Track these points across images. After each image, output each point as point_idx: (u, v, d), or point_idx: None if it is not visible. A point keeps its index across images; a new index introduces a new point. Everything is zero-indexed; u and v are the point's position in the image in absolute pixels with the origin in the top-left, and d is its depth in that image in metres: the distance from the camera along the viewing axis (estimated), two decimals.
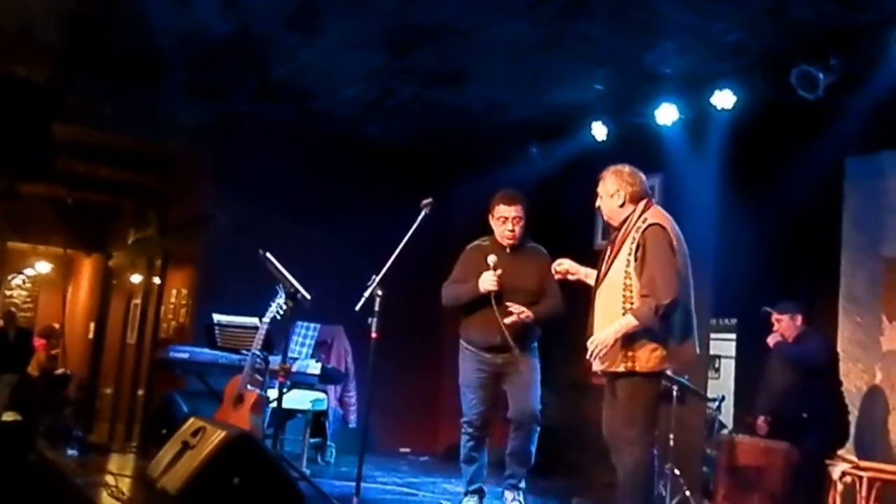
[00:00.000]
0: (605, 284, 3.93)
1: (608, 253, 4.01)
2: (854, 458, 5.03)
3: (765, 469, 5.20)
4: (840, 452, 5.21)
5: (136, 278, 9.98)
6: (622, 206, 3.94)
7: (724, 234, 6.32)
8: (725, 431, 5.72)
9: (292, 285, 4.92)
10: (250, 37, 6.00)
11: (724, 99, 5.92)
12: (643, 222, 3.86)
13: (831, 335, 5.90)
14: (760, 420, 5.54)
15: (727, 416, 6.01)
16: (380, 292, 4.40)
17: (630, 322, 3.73)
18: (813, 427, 5.24)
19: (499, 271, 4.50)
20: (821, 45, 5.19)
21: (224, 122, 7.55)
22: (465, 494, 4.79)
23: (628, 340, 3.76)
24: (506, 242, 4.67)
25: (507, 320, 4.49)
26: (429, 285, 8.01)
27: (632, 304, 3.78)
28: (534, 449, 4.75)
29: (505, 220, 4.64)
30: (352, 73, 6.57)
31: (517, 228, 4.64)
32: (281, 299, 4.96)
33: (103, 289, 11.03)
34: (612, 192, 3.97)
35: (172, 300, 8.60)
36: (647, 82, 6.18)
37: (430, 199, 4.61)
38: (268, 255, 4.98)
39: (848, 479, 4.90)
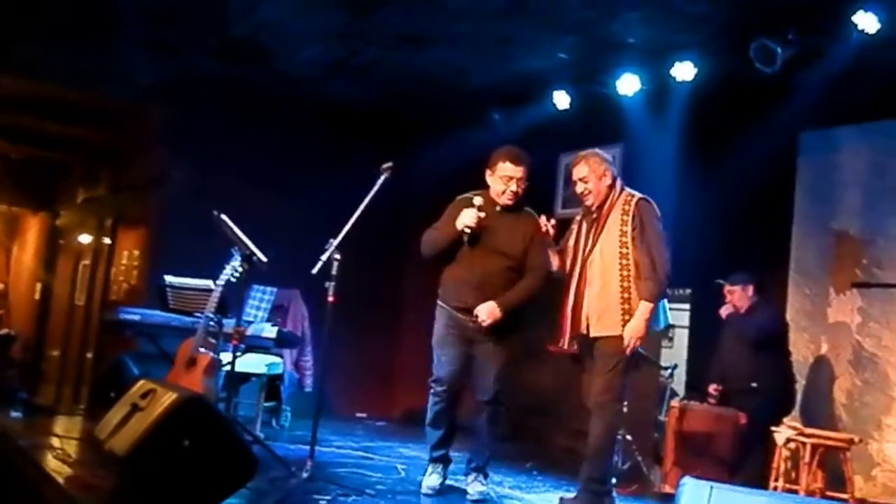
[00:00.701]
0: (596, 255, 4.28)
1: (589, 227, 4.35)
2: (799, 425, 5.16)
3: (714, 435, 5.31)
4: (786, 420, 5.34)
5: (86, 238, 9.76)
6: (610, 185, 4.32)
7: (682, 204, 6.36)
8: (677, 399, 5.81)
9: (248, 248, 4.85)
10: None
11: (684, 71, 5.95)
12: (630, 196, 4.28)
13: (780, 305, 6.02)
14: (712, 388, 5.63)
15: (680, 384, 6.11)
16: (337, 256, 4.34)
17: (649, 307, 4.15)
18: (761, 396, 5.35)
19: (482, 214, 4.33)
20: (780, 20, 5.22)
21: (181, 79, 7.35)
22: (430, 462, 4.58)
23: (629, 306, 4.16)
24: (504, 202, 4.44)
25: (481, 319, 4.35)
26: (388, 249, 8.06)
27: (629, 270, 4.18)
28: (497, 431, 4.55)
29: (509, 179, 4.40)
30: (313, 33, 6.44)
31: (520, 190, 4.45)
32: (236, 262, 4.87)
33: (50, 248, 10.76)
34: (601, 174, 4.31)
35: (124, 261, 8.43)
36: (611, 52, 6.16)
37: (389, 164, 4.52)
38: (223, 216, 4.91)
39: (793, 444, 5.02)
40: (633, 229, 4.20)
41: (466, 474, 4.60)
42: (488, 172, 4.50)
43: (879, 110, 5.63)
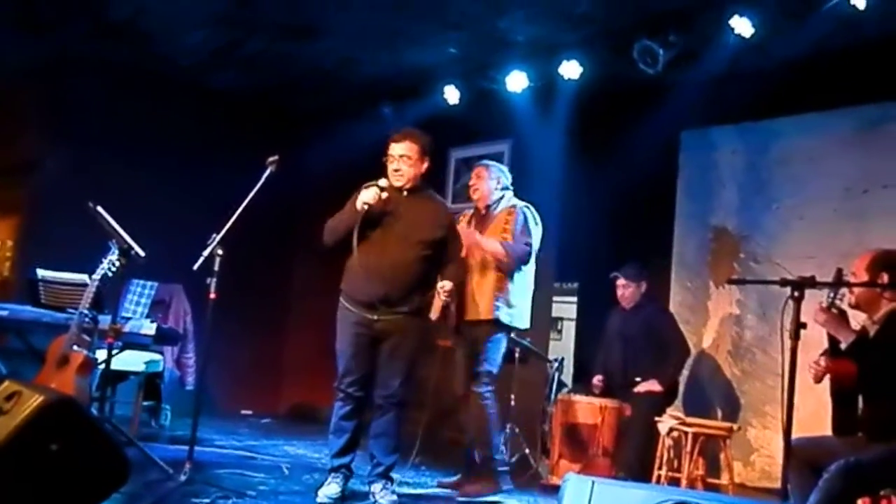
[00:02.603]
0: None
1: (476, 225, 4.91)
2: (681, 415, 5.32)
3: (599, 426, 5.40)
4: (669, 410, 5.48)
5: None
6: (498, 189, 4.94)
7: (568, 200, 6.48)
8: (565, 391, 5.91)
9: (125, 241, 4.65)
10: None
11: (571, 69, 6.03)
12: (515, 204, 4.92)
13: (664, 298, 6.20)
14: (596, 380, 5.74)
15: (568, 376, 6.22)
16: (220, 251, 4.19)
17: None
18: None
19: (385, 194, 4.18)
20: (661, 22, 5.35)
21: (56, 61, 6.97)
22: (331, 471, 4.31)
23: (504, 293, 4.72)
24: (394, 182, 4.28)
25: (441, 301, 4.40)
26: (277, 242, 7.90)
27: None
28: (399, 431, 4.37)
29: (393, 158, 4.29)
30: (195, 19, 6.22)
31: (403, 167, 4.27)
32: (113, 256, 4.65)
33: None
34: (490, 178, 4.95)
35: None
36: (500, 48, 6.20)
37: (275, 157, 4.37)
38: (98, 208, 4.69)
39: (676, 434, 5.16)
40: (511, 233, 4.80)
41: (371, 482, 4.34)
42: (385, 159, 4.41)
43: (754, 111, 5.86)
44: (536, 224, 4.88)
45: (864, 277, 3.67)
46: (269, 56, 6.87)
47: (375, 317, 4.24)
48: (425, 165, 4.38)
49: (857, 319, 3.82)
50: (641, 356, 5.58)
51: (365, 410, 4.39)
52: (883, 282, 3.65)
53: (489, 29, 5.92)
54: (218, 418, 6.92)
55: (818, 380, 3.72)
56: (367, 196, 4.16)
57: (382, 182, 4.24)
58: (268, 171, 4.41)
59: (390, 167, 4.32)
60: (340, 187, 4.55)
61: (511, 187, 5.02)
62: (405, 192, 4.33)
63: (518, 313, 4.81)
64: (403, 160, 4.30)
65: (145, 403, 6.13)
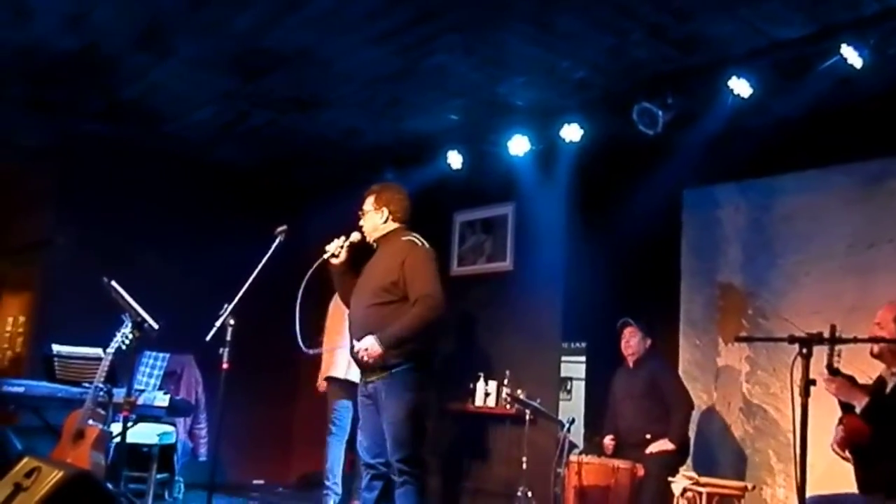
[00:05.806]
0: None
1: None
2: (694, 475, 5.27)
3: (611, 487, 5.35)
4: (682, 469, 5.45)
5: None
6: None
7: (573, 261, 6.53)
8: (576, 452, 5.87)
9: (139, 314, 4.72)
10: (97, 55, 5.73)
11: (571, 132, 6.05)
12: None
13: (672, 357, 6.20)
14: (607, 440, 5.72)
15: (578, 436, 6.19)
16: (232, 322, 4.26)
17: None
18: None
19: (349, 241, 4.28)
20: (659, 85, 5.43)
21: (68, 141, 7.17)
22: None
23: None
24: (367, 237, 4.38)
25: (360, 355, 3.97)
26: (283, 313, 7.90)
27: None
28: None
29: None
30: (204, 96, 6.38)
31: (362, 221, 4.36)
32: (127, 329, 4.73)
33: None
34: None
35: (8, 328, 8.03)
36: (500, 114, 6.29)
37: (284, 227, 4.47)
38: (113, 283, 4.77)
39: (690, 494, 5.11)
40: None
41: None
42: None
43: (756, 168, 5.93)
44: None
45: (892, 327, 3.70)
46: (275, 129, 7.01)
47: (364, 378, 4.17)
48: (384, 212, 4.32)
49: (869, 374, 3.82)
50: (649, 413, 5.58)
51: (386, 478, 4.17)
52: None
53: (489, 95, 6.02)
54: (230, 488, 6.88)
55: (844, 448, 3.71)
56: (331, 245, 4.29)
57: (354, 236, 4.32)
58: (277, 241, 4.48)
59: None
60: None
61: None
62: (376, 245, 4.38)
63: None
64: (362, 214, 4.39)
65: (159, 476, 6.11)
